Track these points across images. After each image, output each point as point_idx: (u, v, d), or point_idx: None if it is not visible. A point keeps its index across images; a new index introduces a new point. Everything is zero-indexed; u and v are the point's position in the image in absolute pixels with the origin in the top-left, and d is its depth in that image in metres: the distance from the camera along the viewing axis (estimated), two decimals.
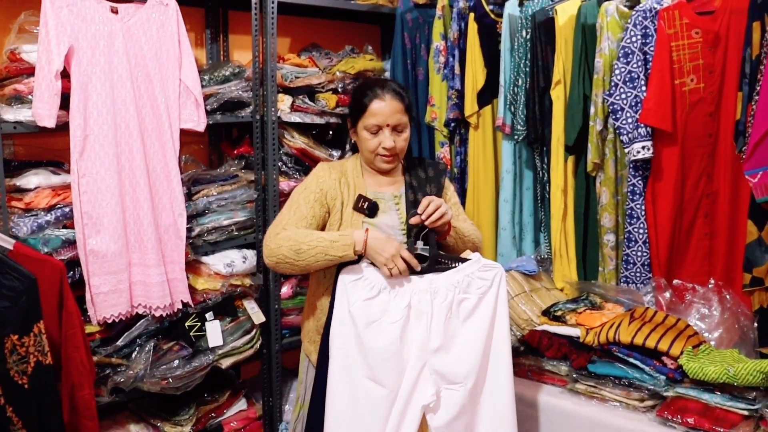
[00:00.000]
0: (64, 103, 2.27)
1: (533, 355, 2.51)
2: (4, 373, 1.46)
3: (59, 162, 2.51)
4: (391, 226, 2.20)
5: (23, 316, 1.49)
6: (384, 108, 2.15)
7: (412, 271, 2.03)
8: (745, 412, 2.06)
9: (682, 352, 2.20)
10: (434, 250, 2.08)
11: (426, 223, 2.08)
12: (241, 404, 2.94)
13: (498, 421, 2.11)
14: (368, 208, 2.18)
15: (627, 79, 2.61)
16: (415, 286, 2.03)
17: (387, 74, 3.38)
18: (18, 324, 1.48)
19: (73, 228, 2.33)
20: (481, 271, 2.08)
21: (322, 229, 2.19)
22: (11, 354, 1.48)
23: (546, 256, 3.02)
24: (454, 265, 2.07)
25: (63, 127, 2.29)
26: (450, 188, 2.38)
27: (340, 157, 3.13)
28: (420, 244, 2.08)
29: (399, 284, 2.03)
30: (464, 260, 2.09)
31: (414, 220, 2.10)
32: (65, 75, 2.27)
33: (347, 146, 3.17)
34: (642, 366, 2.25)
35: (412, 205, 2.22)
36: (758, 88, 2.41)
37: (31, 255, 1.60)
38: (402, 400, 2.02)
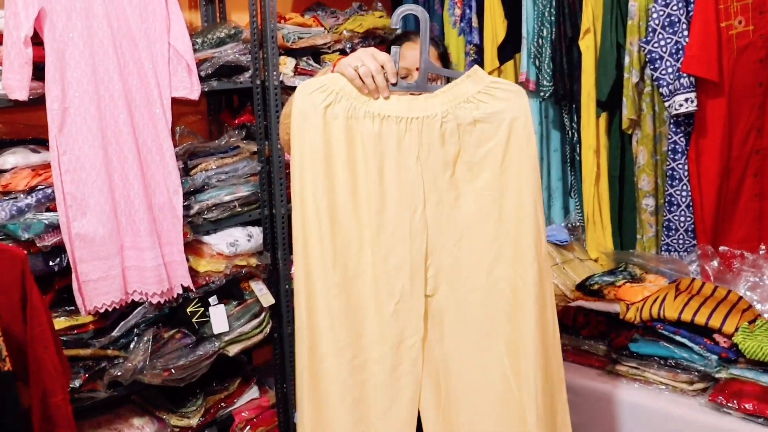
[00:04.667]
0: (40, 73, 2.09)
1: (567, 333, 2.41)
2: None
3: (44, 139, 2.33)
4: None
5: None
6: (416, 52, 1.93)
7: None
8: None
9: (736, 329, 2.06)
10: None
11: None
12: (253, 392, 2.81)
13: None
14: None
15: (666, 23, 2.46)
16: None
17: (398, 32, 3.18)
18: None
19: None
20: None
21: None
22: None
23: (577, 223, 2.94)
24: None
25: (42, 100, 2.10)
26: None
27: None
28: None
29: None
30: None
31: None
32: (39, 42, 2.08)
33: None
34: (691, 345, 2.13)
35: None
36: None
37: None
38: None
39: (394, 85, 1.58)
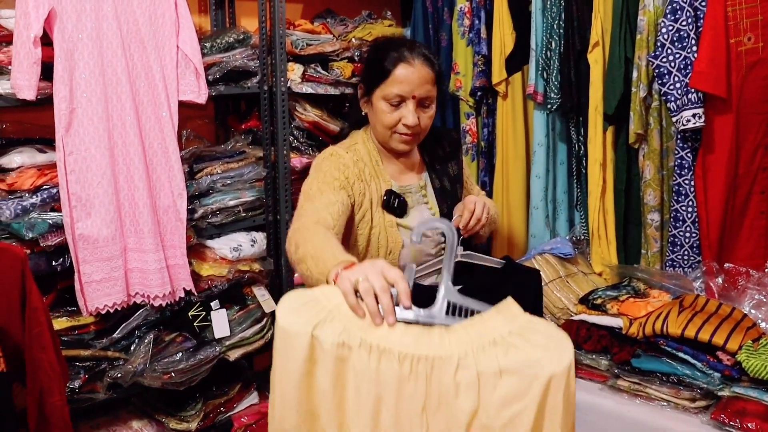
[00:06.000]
0: (49, 73, 2.08)
1: None
2: None
3: (51, 139, 2.32)
4: None
5: None
6: (411, 75, 1.82)
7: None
8: None
9: (740, 347, 1.99)
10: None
11: (464, 233, 1.82)
12: (253, 398, 2.78)
13: None
14: (398, 206, 1.89)
15: (675, 38, 2.38)
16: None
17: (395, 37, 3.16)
18: None
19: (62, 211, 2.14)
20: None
21: (350, 224, 1.82)
22: None
23: (582, 237, 2.85)
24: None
25: (51, 101, 2.09)
26: (464, 162, 2.19)
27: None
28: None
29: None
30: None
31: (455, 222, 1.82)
32: (48, 42, 2.07)
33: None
34: (693, 362, 2.06)
35: (440, 193, 2.01)
36: None
37: None
38: None
39: (407, 309, 1.23)
